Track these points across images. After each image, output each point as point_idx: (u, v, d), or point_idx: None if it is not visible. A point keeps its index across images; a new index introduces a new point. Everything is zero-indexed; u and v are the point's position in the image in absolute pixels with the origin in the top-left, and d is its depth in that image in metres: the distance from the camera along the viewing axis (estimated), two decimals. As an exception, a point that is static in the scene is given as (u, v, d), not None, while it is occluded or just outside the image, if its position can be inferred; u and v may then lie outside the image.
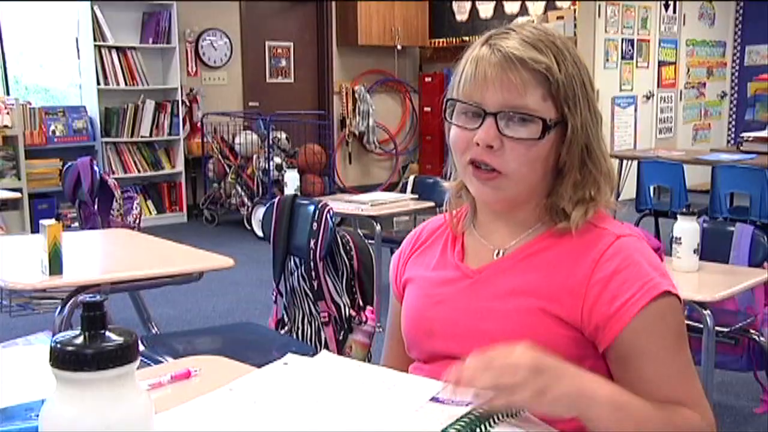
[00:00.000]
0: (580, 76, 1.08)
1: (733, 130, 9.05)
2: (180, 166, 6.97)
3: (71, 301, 2.21)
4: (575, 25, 7.45)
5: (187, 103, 7.13)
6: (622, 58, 7.90)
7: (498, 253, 1.13)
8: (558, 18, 7.52)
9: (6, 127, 5.89)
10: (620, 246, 1.05)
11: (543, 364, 0.91)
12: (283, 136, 6.63)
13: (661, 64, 8.35)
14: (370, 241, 3.06)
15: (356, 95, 8.22)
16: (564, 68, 1.05)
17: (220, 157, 6.71)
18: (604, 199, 1.10)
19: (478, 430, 0.89)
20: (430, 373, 1.10)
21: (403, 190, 4.58)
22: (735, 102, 9.19)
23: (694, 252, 2.37)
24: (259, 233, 6.08)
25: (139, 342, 0.77)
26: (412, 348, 1.19)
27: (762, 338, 2.52)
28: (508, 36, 1.07)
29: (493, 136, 1.05)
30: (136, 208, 4.20)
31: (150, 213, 6.82)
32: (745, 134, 6.18)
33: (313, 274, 2.44)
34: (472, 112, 1.07)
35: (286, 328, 2.61)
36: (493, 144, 1.05)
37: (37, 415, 0.74)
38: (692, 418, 1.00)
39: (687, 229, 2.36)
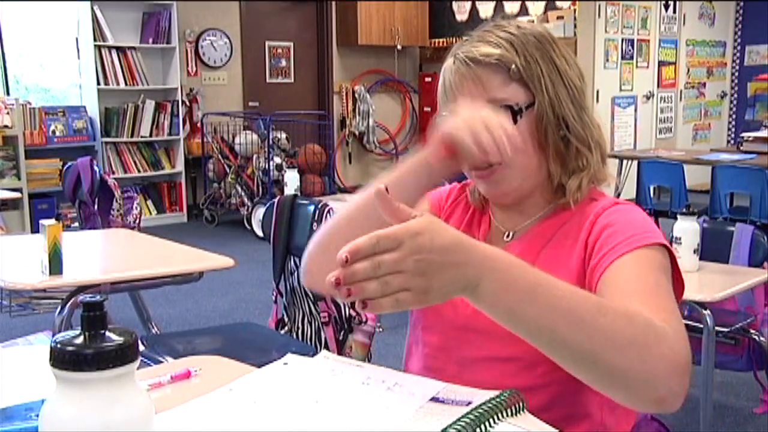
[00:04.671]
0: (546, 55, 1.12)
1: (733, 130, 9.05)
2: (180, 166, 6.97)
3: (71, 301, 2.21)
4: (575, 25, 7.45)
5: (187, 103, 7.13)
6: (622, 58, 7.90)
7: (508, 235, 1.18)
8: (558, 18, 7.52)
9: (6, 127, 5.89)
10: (616, 209, 1.10)
11: (425, 263, 0.80)
12: (283, 136, 6.63)
13: (661, 64, 8.35)
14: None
15: (356, 95, 8.22)
16: (522, 52, 1.10)
17: (220, 157, 6.71)
18: (597, 168, 1.14)
19: (478, 430, 0.89)
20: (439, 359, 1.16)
21: (403, 190, 4.58)
22: (735, 102, 9.19)
23: (694, 252, 2.37)
24: (259, 233, 6.08)
25: (139, 342, 0.77)
26: (426, 314, 1.21)
27: (762, 338, 2.53)
28: (467, 42, 1.14)
29: None
30: (136, 208, 4.20)
31: (150, 213, 6.82)
32: (745, 134, 6.18)
33: (313, 274, 2.44)
34: None
35: (286, 328, 2.61)
36: None
37: (37, 415, 0.74)
38: (644, 315, 0.87)
39: (687, 229, 2.36)
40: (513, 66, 1.09)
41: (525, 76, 1.09)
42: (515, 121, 1.09)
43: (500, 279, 0.83)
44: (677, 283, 1.06)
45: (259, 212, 6.12)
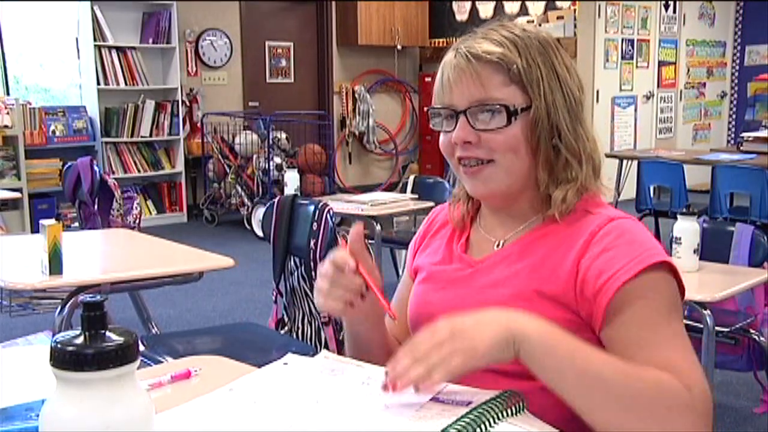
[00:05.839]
0: (548, 60, 1.11)
1: (733, 130, 9.05)
2: (180, 166, 6.97)
3: (71, 301, 2.21)
4: (575, 25, 7.45)
5: (187, 103, 7.13)
6: (622, 58, 7.90)
7: (498, 244, 1.17)
8: (558, 18, 7.52)
9: (6, 127, 5.89)
10: (612, 226, 1.07)
11: (460, 326, 0.94)
12: (283, 136, 6.63)
13: (661, 64, 8.35)
14: (370, 241, 3.06)
15: (356, 95, 8.22)
16: (525, 54, 1.09)
17: (220, 157, 6.71)
18: (587, 181, 1.12)
19: (478, 429, 0.89)
20: None
21: (403, 190, 4.59)
22: (735, 102, 9.19)
23: (694, 252, 2.37)
24: (259, 233, 6.08)
25: (139, 342, 0.77)
26: (414, 331, 1.21)
27: (762, 338, 2.53)
28: (469, 38, 1.14)
29: (467, 132, 1.10)
30: (136, 208, 4.20)
31: (150, 213, 6.82)
32: (745, 134, 6.18)
33: (313, 274, 2.44)
34: (448, 115, 1.13)
35: (286, 328, 2.61)
36: (470, 139, 1.10)
37: (37, 415, 0.74)
38: (670, 381, 0.92)
39: (687, 229, 2.36)
40: (514, 67, 1.08)
41: (524, 79, 1.08)
42: (509, 122, 1.08)
43: (540, 342, 0.93)
44: (679, 292, 1.06)
45: (259, 212, 6.12)
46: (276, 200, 2.69)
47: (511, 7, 7.91)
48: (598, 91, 7.55)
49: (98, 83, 6.47)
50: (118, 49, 6.59)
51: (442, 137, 1.15)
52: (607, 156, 5.71)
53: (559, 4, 7.55)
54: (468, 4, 8.26)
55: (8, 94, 6.26)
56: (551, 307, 1.05)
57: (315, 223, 2.47)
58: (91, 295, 0.74)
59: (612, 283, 1.01)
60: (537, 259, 1.09)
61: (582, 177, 1.11)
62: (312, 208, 2.55)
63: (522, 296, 1.07)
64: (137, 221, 4.17)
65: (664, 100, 8.47)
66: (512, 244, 1.14)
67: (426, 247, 1.27)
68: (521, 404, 0.95)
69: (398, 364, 0.94)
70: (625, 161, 5.81)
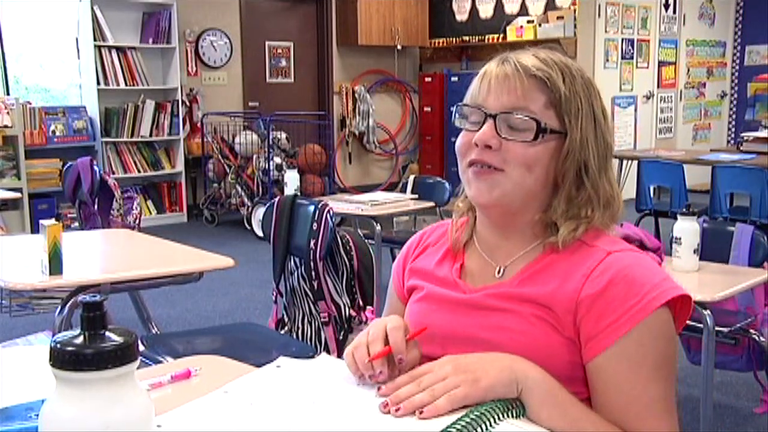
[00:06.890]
0: (589, 99, 1.11)
1: (733, 130, 9.05)
2: (180, 166, 6.97)
3: (71, 301, 2.21)
4: (575, 25, 7.45)
5: (187, 103, 7.13)
6: (622, 58, 7.90)
7: (499, 271, 1.14)
8: (558, 18, 7.52)
9: (6, 127, 5.89)
10: (610, 262, 1.05)
11: (464, 362, 0.99)
12: (283, 136, 6.63)
13: (661, 64, 8.35)
14: (370, 241, 3.06)
15: (356, 95, 8.22)
16: (569, 84, 1.09)
17: (220, 157, 6.71)
18: (601, 223, 1.11)
19: (478, 429, 0.89)
20: None
21: (403, 190, 4.58)
22: (735, 102, 9.19)
23: (694, 252, 2.37)
24: (259, 233, 6.08)
25: (139, 342, 0.77)
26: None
27: (762, 338, 2.52)
28: (520, 53, 1.13)
29: (490, 136, 1.08)
30: (136, 208, 4.20)
31: (150, 213, 6.82)
32: (745, 134, 6.18)
33: (313, 274, 2.44)
34: (476, 115, 1.11)
35: (286, 328, 2.61)
36: (491, 144, 1.08)
37: (37, 415, 0.74)
38: None
39: (687, 229, 2.36)
40: (557, 92, 1.08)
41: (563, 107, 1.08)
42: (535, 139, 1.07)
43: (542, 389, 0.97)
44: (683, 312, 1.05)
45: (259, 212, 6.12)
46: (276, 200, 2.69)
47: (511, 7, 7.91)
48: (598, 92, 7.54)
49: (98, 83, 6.47)
50: (118, 49, 6.59)
51: (462, 136, 1.13)
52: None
53: (559, 4, 7.55)
54: (468, 4, 8.26)
55: (8, 94, 6.25)
56: (551, 331, 1.05)
57: (315, 223, 2.47)
58: (90, 295, 0.74)
59: (608, 333, 1.01)
60: (537, 288, 1.08)
61: (596, 219, 1.10)
62: (312, 208, 2.55)
63: (524, 320, 1.06)
64: (137, 221, 4.17)
65: (664, 100, 8.46)
66: (514, 277, 1.12)
67: (418, 268, 1.23)
68: (522, 407, 0.95)
69: (402, 392, 0.97)
70: (625, 161, 5.81)
